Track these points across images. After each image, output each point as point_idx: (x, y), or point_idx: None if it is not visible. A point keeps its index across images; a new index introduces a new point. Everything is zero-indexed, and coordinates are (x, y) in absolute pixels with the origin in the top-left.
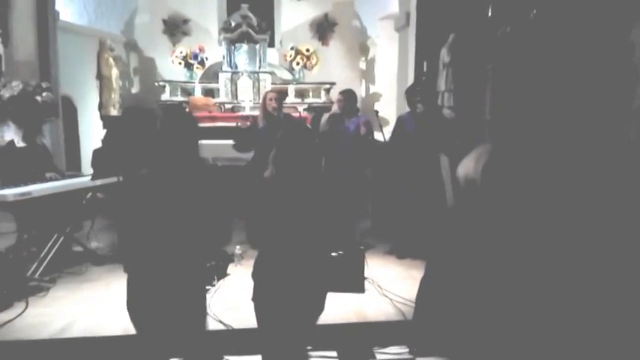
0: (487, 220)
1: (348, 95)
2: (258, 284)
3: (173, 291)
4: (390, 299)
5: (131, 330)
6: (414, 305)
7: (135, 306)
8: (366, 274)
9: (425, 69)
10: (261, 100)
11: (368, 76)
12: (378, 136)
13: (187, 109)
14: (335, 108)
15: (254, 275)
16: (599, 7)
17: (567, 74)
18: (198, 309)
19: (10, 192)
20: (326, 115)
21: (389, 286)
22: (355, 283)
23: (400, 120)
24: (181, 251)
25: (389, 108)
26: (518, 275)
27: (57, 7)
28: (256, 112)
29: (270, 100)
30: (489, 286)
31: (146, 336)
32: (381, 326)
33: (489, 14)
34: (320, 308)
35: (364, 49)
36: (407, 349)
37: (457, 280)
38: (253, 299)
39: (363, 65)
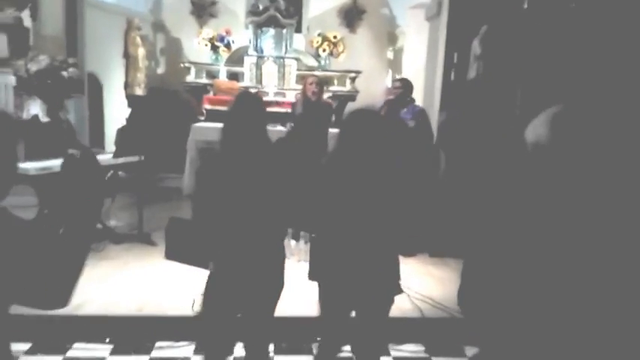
0: (561, 195)
1: (406, 84)
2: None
3: (255, 274)
4: (408, 295)
5: (145, 309)
6: (431, 303)
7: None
8: None
9: (455, 60)
10: (302, 86)
11: (395, 65)
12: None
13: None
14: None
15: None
16: None
17: (606, 71)
18: (277, 285)
19: (31, 166)
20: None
21: (406, 282)
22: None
23: (450, 116)
24: (260, 232)
25: (416, 98)
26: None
27: None
28: (280, 98)
29: (311, 84)
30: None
31: (219, 318)
32: (397, 322)
33: (525, 6)
34: (394, 288)
35: (392, 38)
36: (423, 347)
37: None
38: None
39: (390, 54)
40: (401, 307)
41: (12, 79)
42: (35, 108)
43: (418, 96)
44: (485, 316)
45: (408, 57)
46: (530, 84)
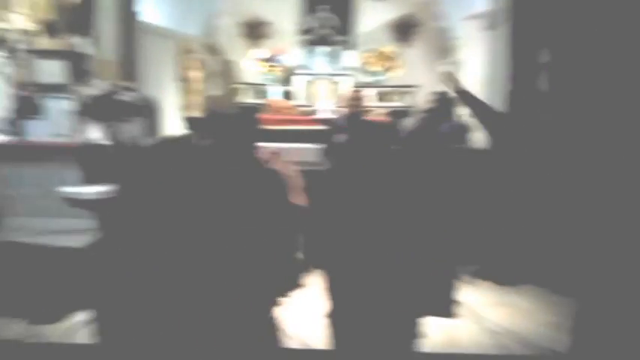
0: None
1: (443, 96)
2: (334, 300)
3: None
4: (486, 327)
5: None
6: (513, 336)
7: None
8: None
9: (520, 71)
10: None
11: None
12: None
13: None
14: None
15: (328, 290)
16: None
17: None
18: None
19: (89, 190)
20: (411, 119)
21: (483, 312)
22: (445, 306)
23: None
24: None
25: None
26: None
27: (141, 9)
28: (333, 116)
29: (351, 99)
30: None
31: None
32: (477, 359)
33: (597, 10)
34: (413, 333)
35: (449, 51)
36: None
37: None
38: (328, 316)
39: (447, 67)
40: (479, 341)
41: (73, 105)
42: (95, 133)
43: None
44: None
45: (466, 69)
46: (611, 96)
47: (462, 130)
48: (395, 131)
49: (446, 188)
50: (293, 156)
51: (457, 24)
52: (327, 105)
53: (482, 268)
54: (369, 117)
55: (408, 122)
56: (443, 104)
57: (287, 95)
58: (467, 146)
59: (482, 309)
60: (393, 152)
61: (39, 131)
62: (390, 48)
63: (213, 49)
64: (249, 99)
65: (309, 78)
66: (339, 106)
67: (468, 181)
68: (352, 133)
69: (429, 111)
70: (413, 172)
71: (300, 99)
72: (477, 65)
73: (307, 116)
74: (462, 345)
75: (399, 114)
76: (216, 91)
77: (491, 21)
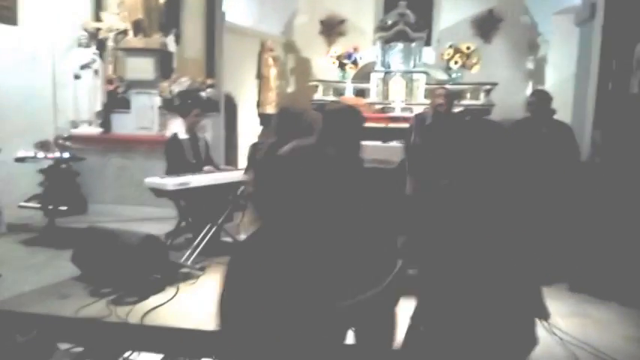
0: None
1: (542, 96)
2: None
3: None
4: (561, 339)
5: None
6: (587, 348)
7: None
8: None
9: (613, 69)
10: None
11: (536, 76)
12: None
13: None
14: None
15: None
16: None
17: None
18: None
19: (170, 181)
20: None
21: (558, 323)
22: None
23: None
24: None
25: (562, 113)
26: None
27: (223, 9)
28: (406, 113)
29: (438, 96)
30: None
31: None
32: None
33: None
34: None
35: (533, 47)
36: None
37: None
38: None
39: (530, 64)
40: (553, 353)
41: (157, 100)
42: (176, 126)
43: (565, 107)
44: None
45: (552, 66)
46: None
47: (566, 130)
48: (485, 129)
49: (540, 193)
50: (367, 153)
51: (544, 19)
52: (402, 102)
53: (569, 278)
54: (453, 114)
55: (503, 121)
56: (544, 103)
57: (363, 92)
58: (568, 149)
59: (555, 319)
60: (489, 152)
61: (126, 124)
62: (468, 44)
63: (290, 47)
64: (324, 96)
65: (385, 75)
66: (417, 104)
67: (561, 189)
68: (437, 130)
69: (527, 111)
70: (508, 174)
71: (375, 96)
72: (565, 63)
73: (382, 114)
74: (533, 354)
75: (477, 112)
76: (292, 88)
77: (582, 15)
